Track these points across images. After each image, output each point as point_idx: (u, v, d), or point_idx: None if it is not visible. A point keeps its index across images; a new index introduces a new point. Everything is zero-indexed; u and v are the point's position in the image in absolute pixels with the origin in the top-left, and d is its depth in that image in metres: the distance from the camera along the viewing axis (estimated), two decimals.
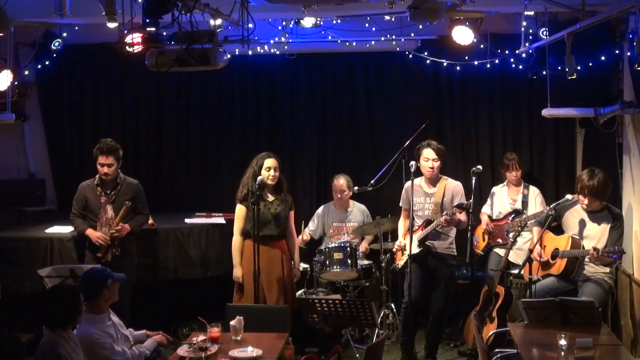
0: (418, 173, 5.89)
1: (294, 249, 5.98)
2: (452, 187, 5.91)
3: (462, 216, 5.75)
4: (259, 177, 5.63)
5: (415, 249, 5.72)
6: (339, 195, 6.77)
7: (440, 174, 5.97)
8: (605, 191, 5.50)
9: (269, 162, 5.74)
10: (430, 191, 5.93)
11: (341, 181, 6.76)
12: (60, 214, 6.82)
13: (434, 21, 5.10)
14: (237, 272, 5.77)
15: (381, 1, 5.43)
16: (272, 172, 5.72)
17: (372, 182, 6.59)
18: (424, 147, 5.86)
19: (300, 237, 6.67)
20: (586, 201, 5.49)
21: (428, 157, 5.83)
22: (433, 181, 5.93)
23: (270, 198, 5.78)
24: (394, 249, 6.10)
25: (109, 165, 5.79)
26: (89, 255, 5.81)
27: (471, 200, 5.85)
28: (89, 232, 5.77)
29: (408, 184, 5.89)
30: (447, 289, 5.91)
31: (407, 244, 5.86)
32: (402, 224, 6.13)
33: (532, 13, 6.17)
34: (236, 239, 5.82)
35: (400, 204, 6.10)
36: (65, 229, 6.14)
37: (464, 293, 6.65)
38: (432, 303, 5.95)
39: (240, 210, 5.80)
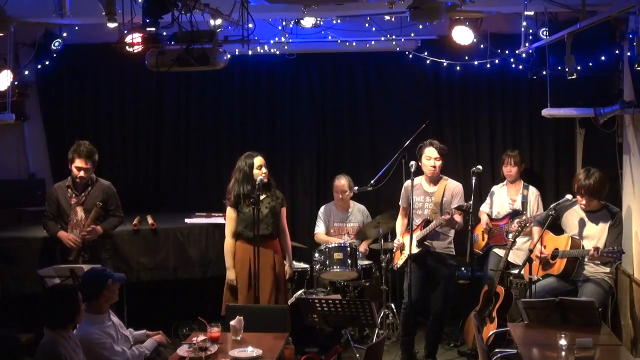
0: (418, 173, 5.89)
1: (286, 247, 5.95)
2: (452, 187, 5.91)
3: (459, 218, 5.75)
4: (259, 178, 5.63)
5: (415, 249, 5.72)
6: (340, 196, 6.76)
7: (441, 174, 5.97)
8: (603, 190, 5.50)
9: (259, 160, 5.72)
10: (430, 190, 5.93)
11: (342, 181, 6.76)
12: None
13: (434, 21, 5.09)
14: (231, 275, 5.74)
15: (381, 1, 5.42)
16: (263, 170, 5.71)
17: (372, 182, 6.58)
18: (426, 146, 5.86)
19: (359, 249, 6.48)
20: (584, 201, 5.50)
21: (430, 156, 5.83)
22: (433, 180, 5.93)
23: (261, 197, 5.75)
24: (394, 248, 6.09)
25: (85, 169, 5.65)
26: (60, 260, 5.67)
27: (470, 202, 5.84)
28: (61, 234, 5.65)
29: (408, 182, 5.90)
30: (446, 288, 5.90)
31: (405, 242, 5.87)
32: (400, 223, 6.13)
33: (532, 13, 6.17)
34: (228, 242, 5.80)
35: (400, 203, 6.10)
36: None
37: (464, 293, 6.65)
38: (432, 303, 5.95)
39: (230, 212, 5.78)
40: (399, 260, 5.98)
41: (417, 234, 5.80)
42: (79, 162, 5.64)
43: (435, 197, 5.87)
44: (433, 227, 5.76)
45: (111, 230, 5.88)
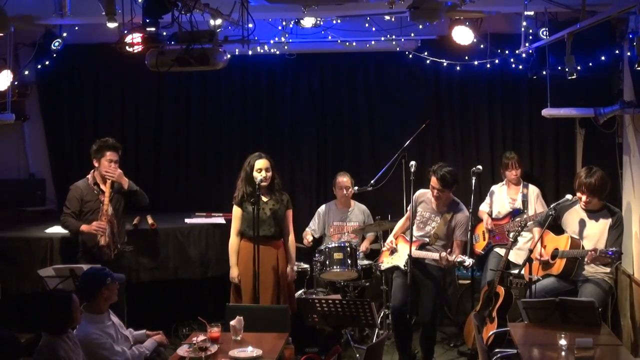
0: (419, 173, 5.84)
1: (290, 249, 5.94)
2: (459, 218, 5.71)
3: (454, 256, 5.56)
4: (259, 178, 5.63)
5: (402, 261, 5.68)
6: (344, 192, 6.74)
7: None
8: (604, 189, 5.49)
9: (260, 163, 5.70)
10: (439, 211, 5.78)
11: (345, 178, 6.75)
12: (60, 214, 6.82)
13: (434, 21, 5.09)
14: (233, 273, 5.76)
15: (381, 1, 5.43)
16: (263, 174, 5.67)
17: (372, 182, 6.58)
18: (432, 174, 5.58)
19: (304, 239, 6.66)
20: (584, 198, 5.48)
21: (433, 186, 5.61)
22: (445, 205, 5.73)
23: (265, 198, 5.74)
24: (385, 248, 5.99)
25: (116, 161, 5.84)
26: (83, 258, 5.71)
27: (472, 260, 5.67)
28: (83, 227, 5.70)
29: (420, 192, 5.79)
30: (433, 300, 5.76)
31: (399, 248, 5.84)
32: (402, 224, 6.03)
33: (532, 13, 6.18)
34: (232, 240, 5.81)
35: (409, 206, 5.93)
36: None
37: (464, 293, 6.64)
38: (419, 316, 5.88)
39: (235, 211, 5.80)
40: (385, 263, 5.93)
41: (412, 251, 5.62)
42: (111, 155, 5.83)
43: (442, 219, 5.71)
44: (427, 257, 5.64)
45: (135, 187, 5.92)
